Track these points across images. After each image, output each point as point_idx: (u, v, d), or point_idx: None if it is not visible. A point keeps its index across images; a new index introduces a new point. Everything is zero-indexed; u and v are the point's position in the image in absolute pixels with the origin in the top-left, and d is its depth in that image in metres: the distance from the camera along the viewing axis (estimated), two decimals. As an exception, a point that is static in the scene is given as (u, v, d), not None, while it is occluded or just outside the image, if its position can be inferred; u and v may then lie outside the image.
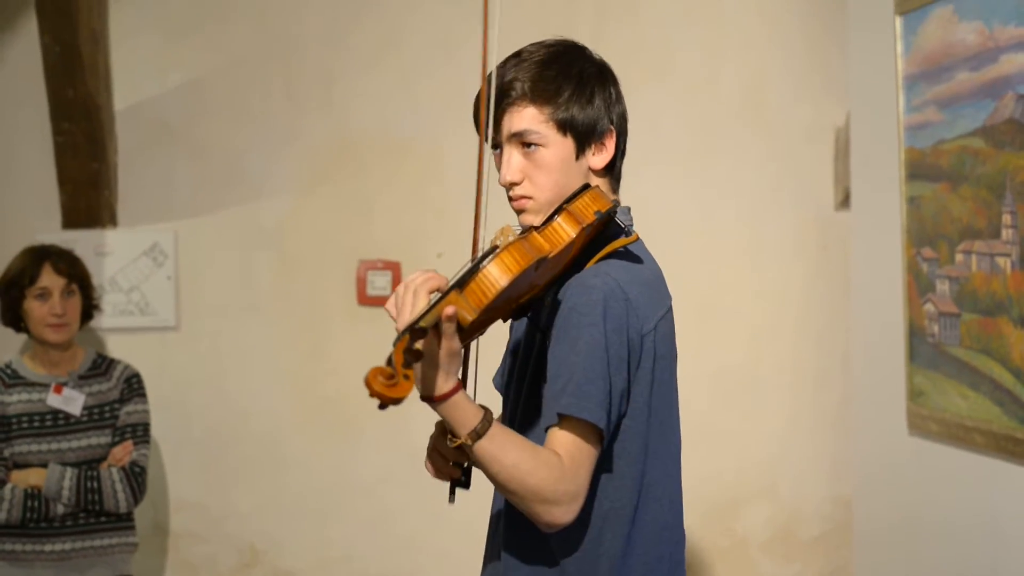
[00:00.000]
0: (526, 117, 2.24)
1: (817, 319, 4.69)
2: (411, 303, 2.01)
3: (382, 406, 1.91)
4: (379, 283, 4.54)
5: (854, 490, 4.58)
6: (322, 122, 4.60)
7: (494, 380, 2.55)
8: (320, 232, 4.59)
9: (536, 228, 2.17)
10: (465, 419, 2.03)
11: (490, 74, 2.24)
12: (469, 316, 2.00)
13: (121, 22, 4.51)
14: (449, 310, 1.97)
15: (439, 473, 2.32)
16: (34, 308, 3.86)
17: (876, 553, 4.40)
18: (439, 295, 2.01)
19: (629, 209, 2.35)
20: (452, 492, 2.32)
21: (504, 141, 2.27)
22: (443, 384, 2.00)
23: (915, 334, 4.04)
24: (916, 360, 4.04)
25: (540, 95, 2.23)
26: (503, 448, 2.04)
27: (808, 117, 4.68)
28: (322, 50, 4.60)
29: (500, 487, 2.10)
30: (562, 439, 2.09)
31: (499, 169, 2.28)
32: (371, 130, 4.60)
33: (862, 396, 4.50)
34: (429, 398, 2.02)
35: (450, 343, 1.99)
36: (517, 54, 2.29)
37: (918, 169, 4.00)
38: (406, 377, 1.89)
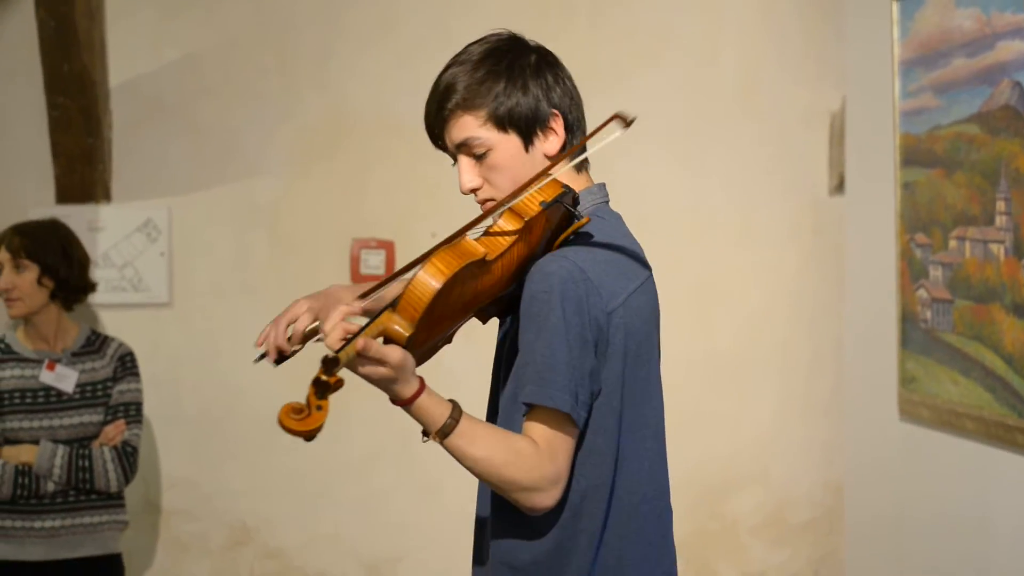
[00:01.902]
0: (465, 126, 2.24)
1: (810, 304, 4.69)
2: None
3: (308, 439, 1.94)
4: (373, 262, 4.53)
5: (845, 475, 4.60)
6: (317, 100, 4.59)
7: None
8: (314, 210, 4.58)
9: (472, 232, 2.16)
10: (431, 419, 2.06)
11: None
12: (405, 332, 2.00)
13: (117, -3, 4.50)
14: (359, 343, 1.95)
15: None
16: None
17: (867, 538, 4.42)
18: (377, 313, 2.03)
19: (603, 186, 2.36)
20: (269, 358, 2.30)
21: (454, 151, 2.28)
22: (404, 391, 2.03)
23: (908, 320, 4.04)
24: (908, 346, 4.05)
25: (472, 100, 2.23)
26: (473, 442, 2.07)
27: (804, 102, 4.67)
28: (318, 28, 4.59)
29: (479, 478, 2.13)
30: (535, 427, 2.11)
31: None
32: (366, 109, 4.59)
33: (854, 381, 4.51)
34: (395, 403, 2.07)
35: (387, 361, 1.99)
36: (457, 56, 2.30)
37: (913, 155, 4.00)
38: (319, 408, 1.91)
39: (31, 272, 3.83)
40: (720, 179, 4.68)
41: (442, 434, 2.06)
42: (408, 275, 2.08)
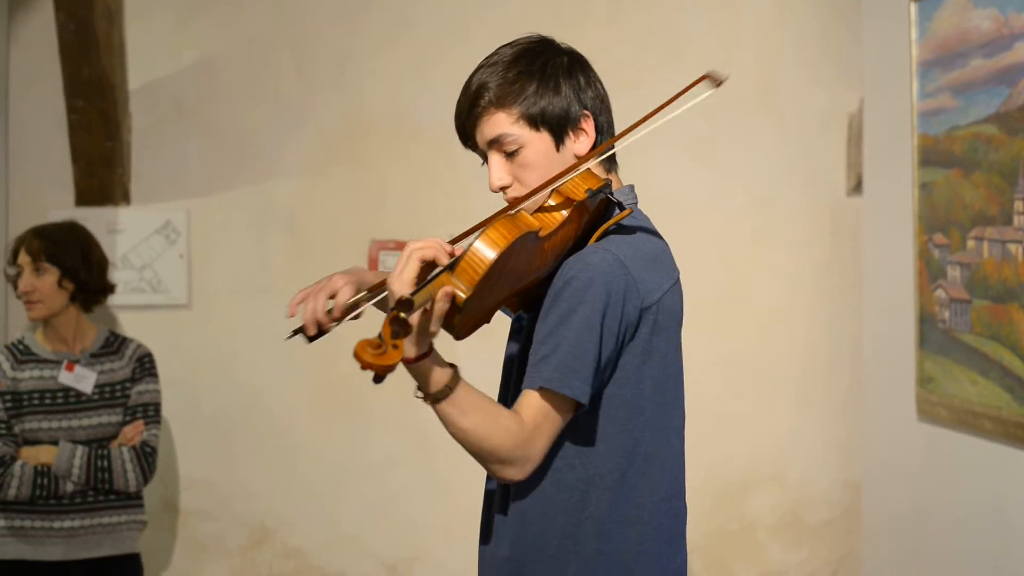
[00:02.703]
0: (497, 123, 2.27)
1: (828, 304, 4.69)
2: (402, 267, 2.04)
3: (377, 379, 1.93)
4: (391, 263, 4.54)
5: (863, 475, 4.59)
6: (335, 103, 4.60)
7: None
8: (332, 212, 4.60)
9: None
10: (429, 382, 2.07)
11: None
12: (463, 294, 2.03)
13: (135, 0, 4.51)
14: (446, 289, 2.01)
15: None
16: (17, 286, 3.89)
17: (884, 538, 4.41)
18: (435, 272, 2.05)
19: (632, 188, 2.38)
20: (305, 334, 2.27)
21: (485, 148, 2.31)
22: (410, 350, 2.03)
23: (926, 320, 4.04)
24: (926, 346, 4.04)
25: (506, 97, 2.27)
26: (464, 412, 2.09)
27: (822, 102, 4.67)
28: (335, 31, 4.60)
29: (459, 443, 2.15)
30: (533, 404, 2.14)
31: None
32: (384, 112, 4.60)
33: (872, 381, 4.50)
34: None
35: (437, 321, 2.03)
36: (488, 58, 2.33)
37: (931, 155, 4.00)
38: (394, 347, 1.91)
39: (51, 275, 3.85)
40: (738, 180, 4.68)
41: (434, 399, 2.08)
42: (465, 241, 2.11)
